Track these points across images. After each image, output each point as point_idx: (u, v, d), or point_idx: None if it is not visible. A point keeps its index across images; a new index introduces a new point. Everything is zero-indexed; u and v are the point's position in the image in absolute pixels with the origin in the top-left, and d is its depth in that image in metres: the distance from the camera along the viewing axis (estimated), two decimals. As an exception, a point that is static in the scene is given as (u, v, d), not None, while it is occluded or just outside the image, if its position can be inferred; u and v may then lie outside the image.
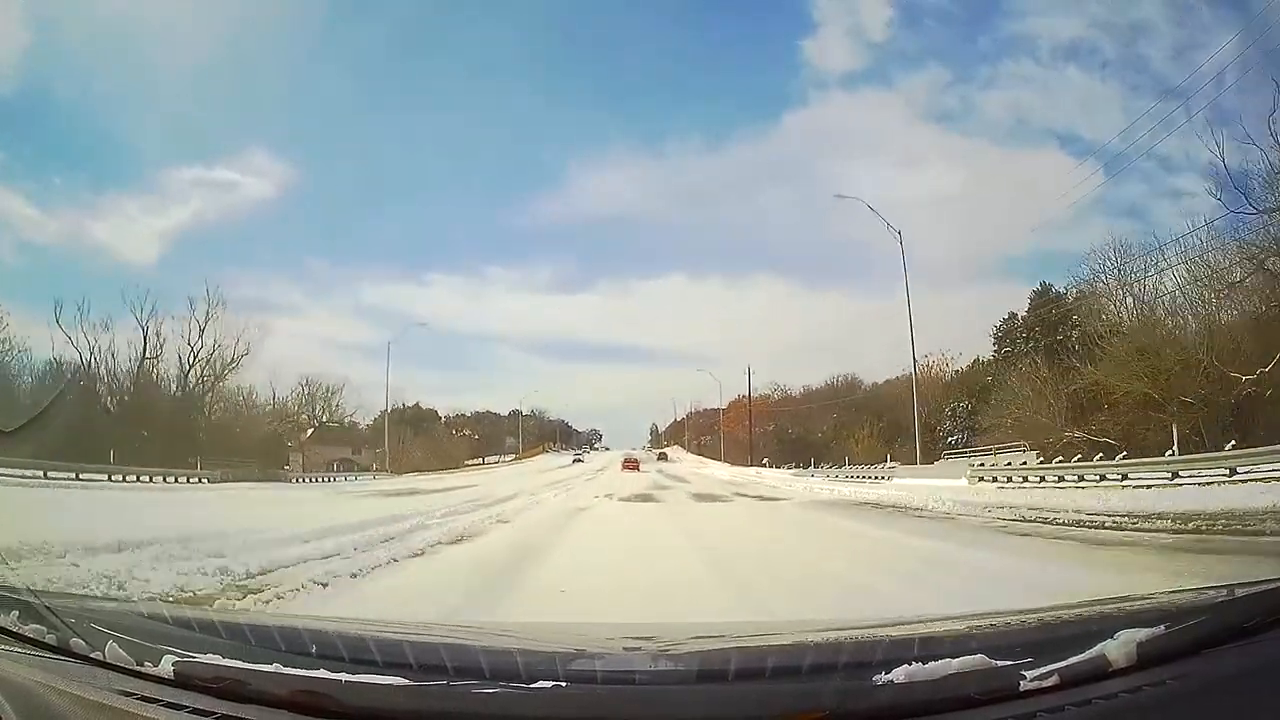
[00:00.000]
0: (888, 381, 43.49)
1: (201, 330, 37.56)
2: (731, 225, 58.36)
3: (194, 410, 37.31)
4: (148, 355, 35.82)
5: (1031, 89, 43.03)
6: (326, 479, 39.09)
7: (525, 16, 49.51)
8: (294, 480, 35.58)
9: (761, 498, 20.77)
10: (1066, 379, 26.81)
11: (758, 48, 47.76)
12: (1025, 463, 23.80)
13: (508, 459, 63.57)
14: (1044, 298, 33.44)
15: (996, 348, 36.41)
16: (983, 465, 24.34)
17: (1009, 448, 27.13)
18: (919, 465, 28.89)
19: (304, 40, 48.34)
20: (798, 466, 43.56)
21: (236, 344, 37.90)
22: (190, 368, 37.41)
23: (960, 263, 48.79)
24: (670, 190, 56.12)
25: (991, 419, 31.13)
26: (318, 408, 47.68)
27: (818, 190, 52.64)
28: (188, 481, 27.95)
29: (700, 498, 21.19)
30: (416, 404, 58.25)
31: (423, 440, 53.57)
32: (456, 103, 50.23)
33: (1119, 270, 27.79)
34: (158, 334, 35.93)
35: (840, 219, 51.50)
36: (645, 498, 21.00)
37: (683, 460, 62.49)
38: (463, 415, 65.43)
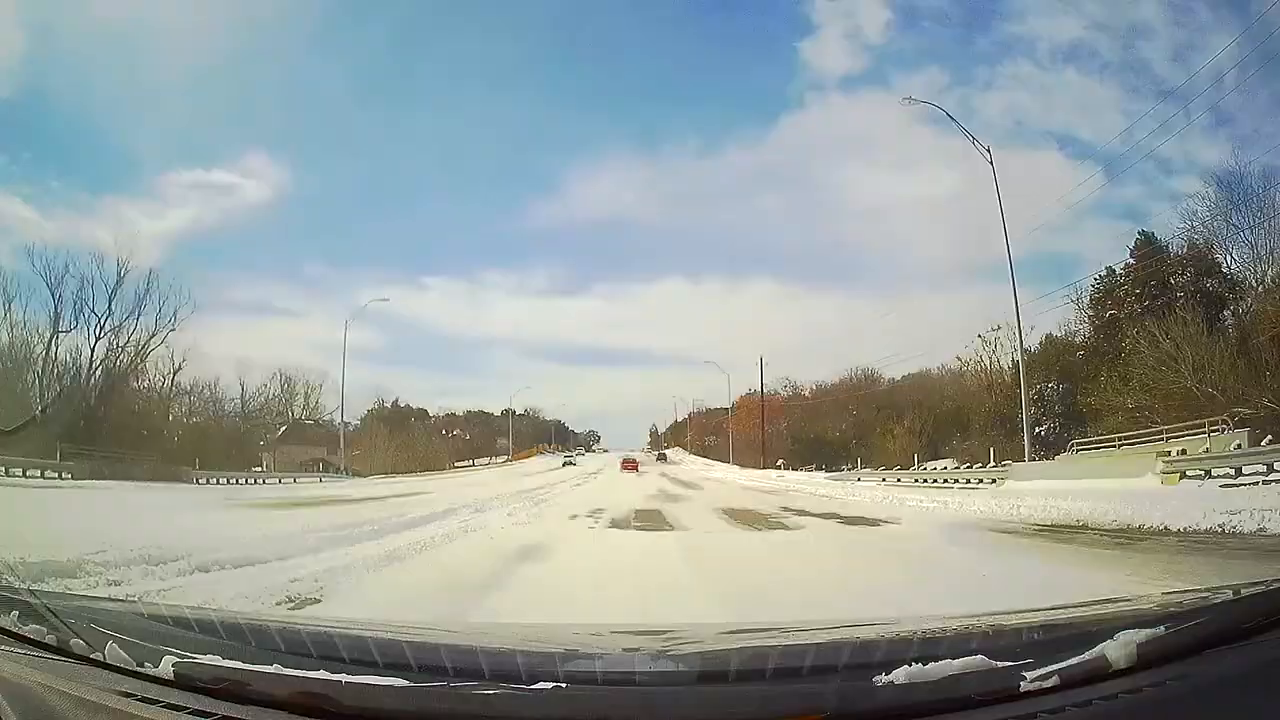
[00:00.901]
0: (906, 377, 41.00)
1: (110, 294, 31.66)
2: (729, 227, 58.47)
3: (98, 396, 31.34)
4: (60, 329, 30.79)
5: (1030, 91, 43.01)
6: (248, 480, 32.82)
7: (523, 19, 49.65)
8: (201, 481, 29.51)
9: (837, 517, 13.70)
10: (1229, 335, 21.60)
11: (755, 50, 47.90)
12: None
13: (499, 461, 61.30)
14: (1149, 245, 27.42)
15: (1093, 313, 28.95)
16: (1183, 454, 17.09)
17: (1232, 425, 19.27)
18: (1030, 462, 22.64)
19: (301, 44, 48.42)
20: (819, 468, 38.90)
21: (159, 311, 32.65)
22: (98, 340, 31.49)
23: (960, 264, 48.77)
24: (667, 193, 56.18)
25: (1106, 399, 24.48)
26: (296, 405, 45.23)
27: (816, 191, 52.58)
28: (41, 476, 22.55)
29: (738, 518, 13.70)
30: (396, 401, 55.85)
31: (404, 440, 50.96)
32: (453, 106, 50.32)
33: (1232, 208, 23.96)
34: (73, 305, 31.11)
35: (840, 218, 51.36)
36: (652, 518, 13.81)
37: (685, 462, 59.75)
38: (453, 415, 63.73)
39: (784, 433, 48.17)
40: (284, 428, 44.50)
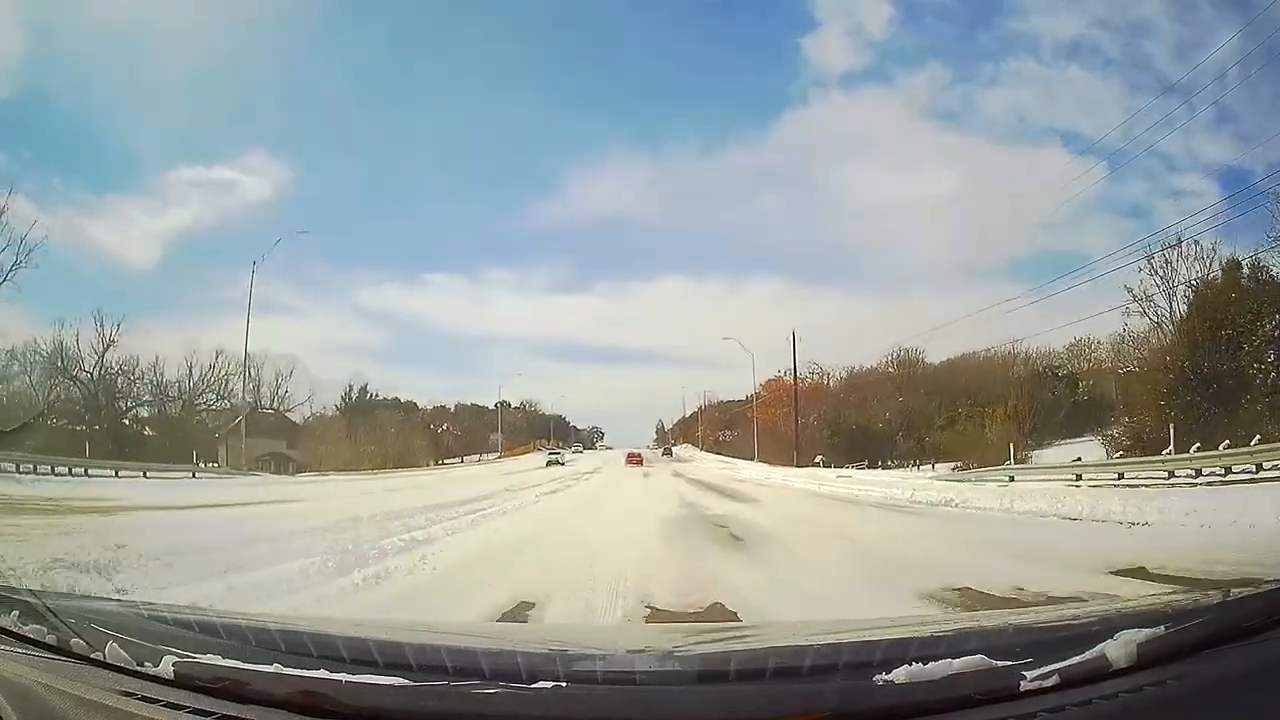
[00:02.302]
0: (948, 360, 36.24)
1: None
2: (731, 226, 58.09)
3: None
4: None
5: (1033, 88, 42.87)
6: (62, 469, 22.75)
7: (523, 19, 49.49)
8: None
9: None
10: None
11: (756, 47, 47.66)
12: None
13: (490, 458, 56.32)
14: None
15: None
16: None
17: None
18: None
19: (301, 44, 48.30)
20: (876, 465, 32.73)
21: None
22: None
23: (961, 263, 48.54)
24: (668, 192, 55.84)
25: None
26: (263, 391, 40.84)
27: (818, 190, 52.24)
28: None
29: None
30: (364, 388, 49.02)
31: (372, 434, 44.74)
32: (454, 106, 50.03)
33: None
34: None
35: (842, 217, 51.13)
36: None
37: (697, 459, 53.75)
38: (442, 408, 57.90)
39: (814, 424, 40.18)
40: (239, 418, 39.92)
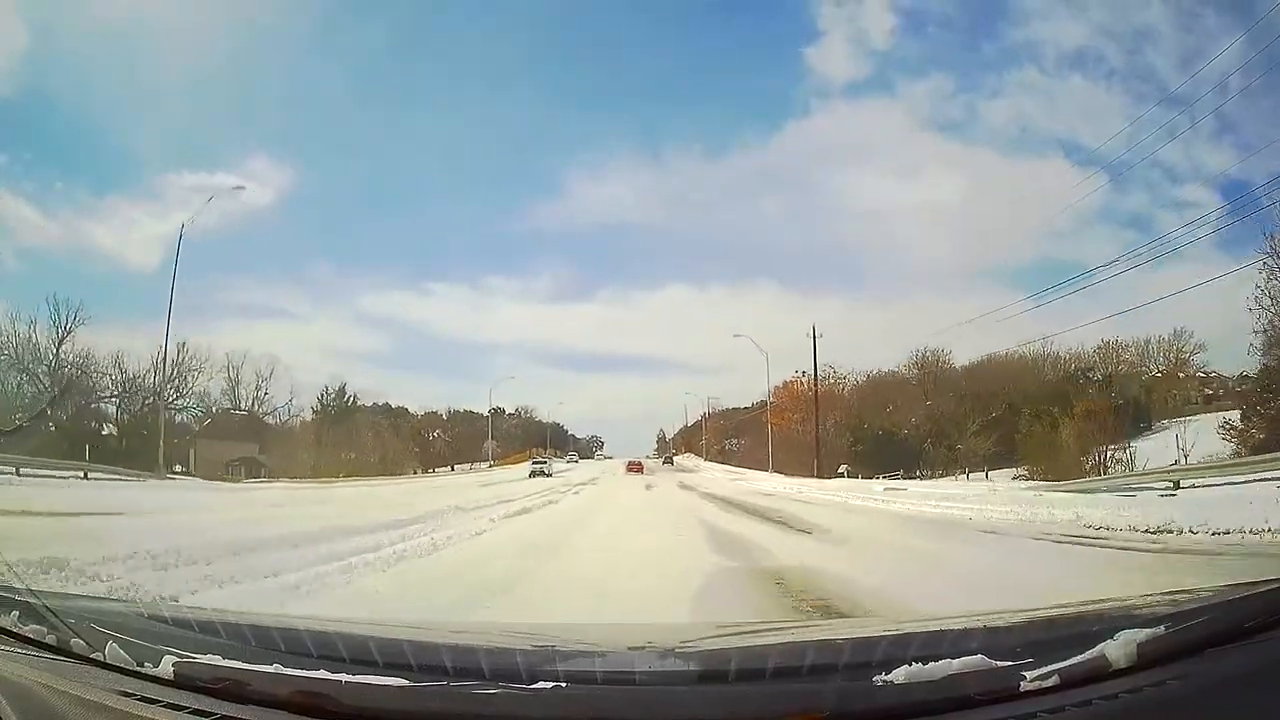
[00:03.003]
0: (975, 363, 35.30)
1: None
2: (733, 231, 58.36)
3: None
4: None
5: (1036, 97, 42.92)
6: None
7: (526, 22, 49.68)
8: None
9: None
10: None
11: (760, 55, 48.21)
12: None
13: (482, 466, 53.73)
14: None
15: None
16: None
17: None
18: None
19: (301, 45, 48.44)
20: (910, 475, 29.78)
21: None
22: None
23: (963, 269, 48.79)
24: (671, 198, 56.08)
25: None
26: (240, 392, 38.86)
27: (821, 195, 52.35)
28: None
29: None
30: (342, 389, 45.86)
31: (349, 438, 42.07)
32: (457, 109, 50.43)
33: None
34: None
35: (845, 224, 51.17)
36: None
37: (703, 468, 50.11)
38: (435, 414, 56.86)
39: (833, 431, 37.08)
40: (207, 420, 37.75)
